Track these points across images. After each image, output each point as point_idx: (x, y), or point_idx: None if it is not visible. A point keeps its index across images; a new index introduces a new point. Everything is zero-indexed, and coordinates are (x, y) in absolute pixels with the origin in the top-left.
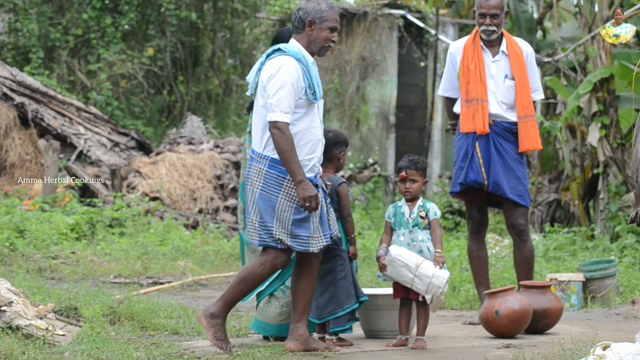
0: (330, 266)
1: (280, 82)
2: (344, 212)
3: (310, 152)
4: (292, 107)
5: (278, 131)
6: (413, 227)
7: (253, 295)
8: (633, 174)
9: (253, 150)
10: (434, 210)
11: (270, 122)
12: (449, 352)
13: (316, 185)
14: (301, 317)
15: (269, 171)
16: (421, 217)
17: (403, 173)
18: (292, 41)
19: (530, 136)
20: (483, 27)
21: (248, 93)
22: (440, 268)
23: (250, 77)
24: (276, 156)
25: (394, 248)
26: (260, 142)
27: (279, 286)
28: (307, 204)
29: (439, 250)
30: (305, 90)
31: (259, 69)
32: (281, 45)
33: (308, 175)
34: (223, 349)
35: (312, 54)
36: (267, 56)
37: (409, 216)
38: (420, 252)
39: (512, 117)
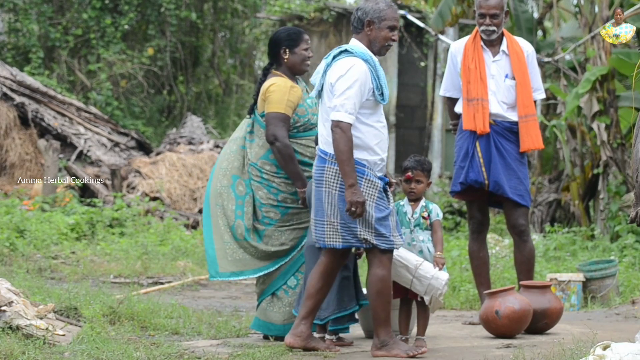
0: None
1: (349, 82)
2: None
3: (383, 151)
4: (356, 108)
5: (340, 131)
6: (414, 227)
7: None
8: (633, 174)
9: (325, 152)
10: (437, 212)
11: (333, 121)
12: (449, 352)
13: (388, 184)
14: (308, 315)
15: None
16: (423, 218)
17: (409, 173)
18: (354, 41)
19: (531, 136)
20: (483, 27)
21: (312, 95)
22: (440, 270)
23: (315, 79)
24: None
25: None
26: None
27: (281, 286)
28: (353, 209)
29: (439, 252)
30: (373, 91)
31: (325, 71)
32: (347, 47)
33: (378, 174)
34: (417, 349)
35: (373, 54)
36: (334, 57)
37: (411, 216)
38: (420, 252)
39: (512, 116)
